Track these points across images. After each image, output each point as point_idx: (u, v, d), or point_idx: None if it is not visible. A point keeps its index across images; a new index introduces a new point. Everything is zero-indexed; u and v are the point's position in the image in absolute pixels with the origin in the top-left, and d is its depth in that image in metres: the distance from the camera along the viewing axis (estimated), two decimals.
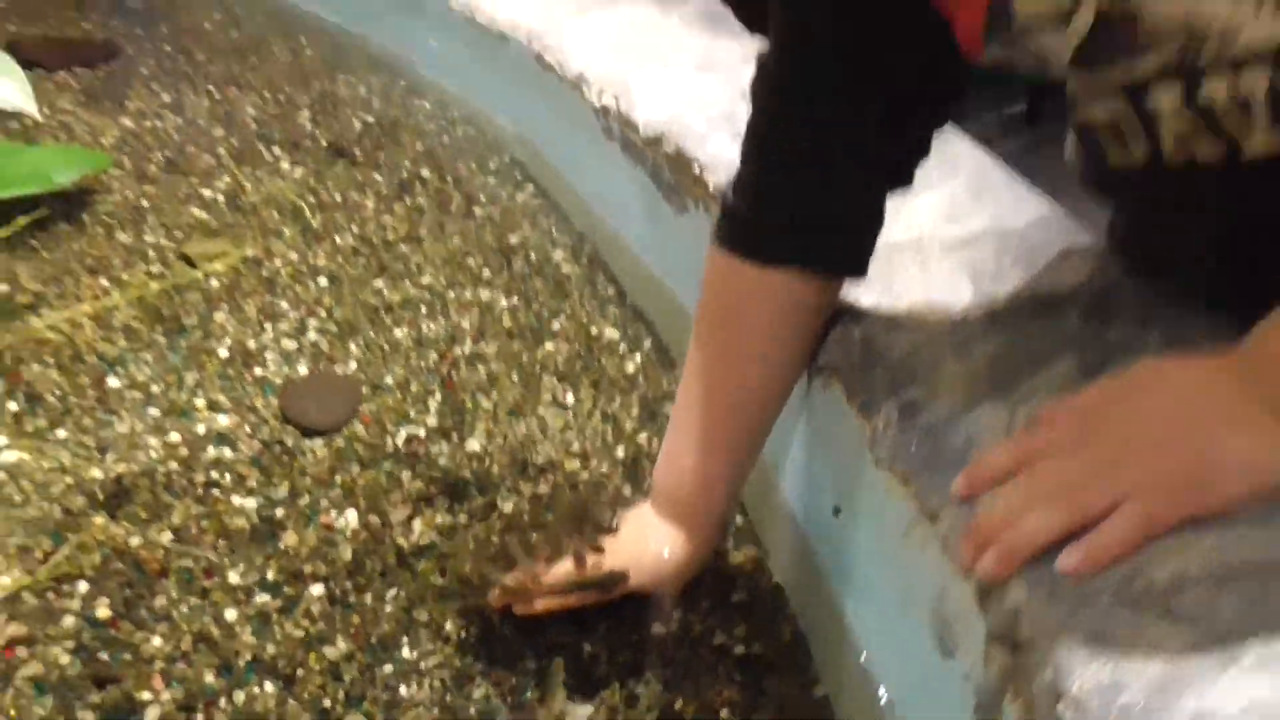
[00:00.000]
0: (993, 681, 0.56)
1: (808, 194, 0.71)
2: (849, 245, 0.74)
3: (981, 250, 0.86)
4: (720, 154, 1.07)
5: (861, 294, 0.79)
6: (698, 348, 0.77)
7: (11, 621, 0.74)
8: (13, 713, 0.68)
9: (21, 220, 1.20)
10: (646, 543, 0.77)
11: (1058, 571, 0.51)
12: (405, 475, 0.91)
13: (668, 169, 1.14)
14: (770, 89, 0.70)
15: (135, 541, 0.82)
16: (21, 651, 0.72)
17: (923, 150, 0.73)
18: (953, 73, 0.66)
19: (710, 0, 1.55)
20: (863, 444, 0.72)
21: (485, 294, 1.18)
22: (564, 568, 0.75)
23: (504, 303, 1.16)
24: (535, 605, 0.75)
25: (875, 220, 0.74)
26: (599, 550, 0.75)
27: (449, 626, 0.78)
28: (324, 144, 1.50)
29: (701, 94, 1.23)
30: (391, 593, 0.80)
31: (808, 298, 0.74)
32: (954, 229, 0.90)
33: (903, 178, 0.74)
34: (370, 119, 1.60)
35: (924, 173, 0.96)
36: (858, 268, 0.75)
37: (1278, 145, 0.48)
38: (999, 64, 0.64)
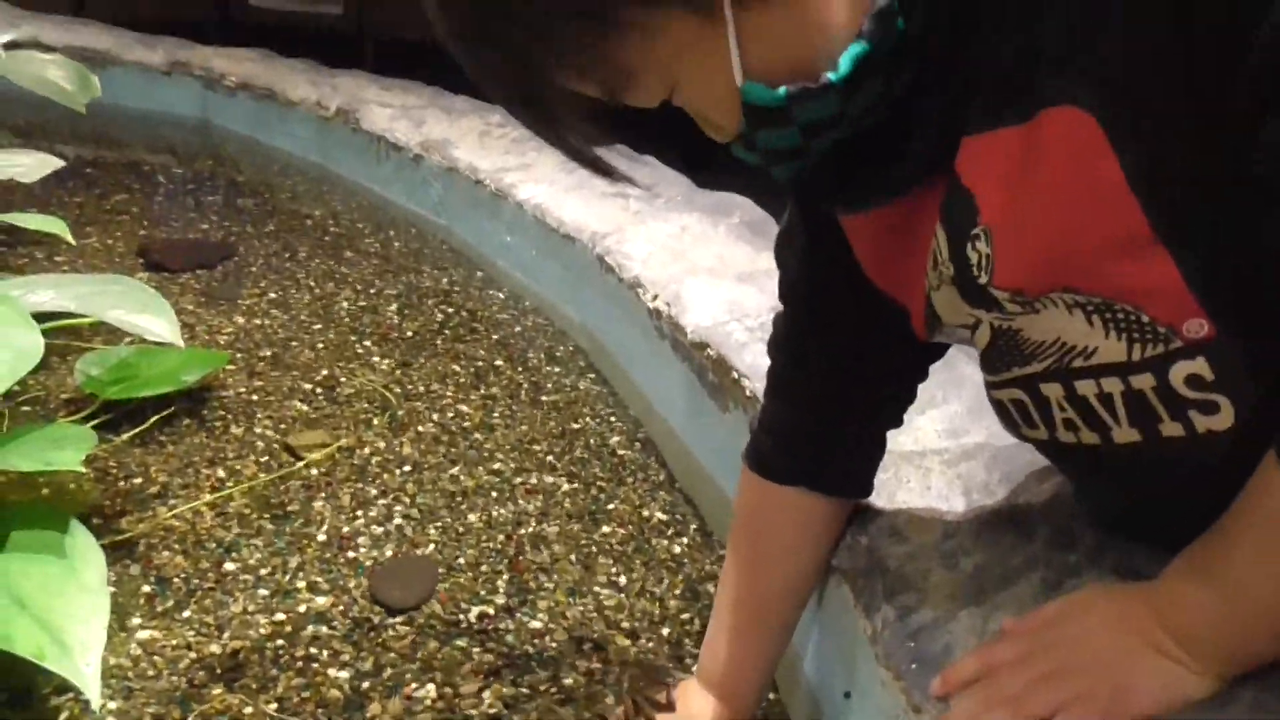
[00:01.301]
0: None
1: (815, 432, 0.85)
2: (852, 473, 0.88)
3: (974, 466, 0.98)
4: (756, 363, 1.22)
5: (870, 503, 0.92)
6: (732, 552, 0.91)
7: None
8: None
9: (154, 418, 1.39)
10: (692, 713, 0.89)
11: None
12: (476, 650, 1.04)
13: (711, 371, 1.30)
14: (782, 347, 0.87)
15: (248, 710, 0.95)
16: None
17: (911, 397, 0.87)
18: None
19: (753, 210, 1.74)
20: (866, 640, 0.84)
21: (549, 479, 1.33)
22: None
23: (565, 486, 1.31)
24: None
25: (872, 453, 0.88)
26: (652, 718, 0.88)
27: None
28: (409, 335, 1.69)
29: (743, 304, 1.39)
30: None
31: (820, 513, 0.88)
32: (952, 444, 1.03)
33: (896, 420, 0.88)
34: (450, 310, 1.79)
35: (930, 391, 1.10)
36: (861, 491, 0.89)
37: (1137, 439, 0.61)
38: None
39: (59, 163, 1.63)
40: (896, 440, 1.01)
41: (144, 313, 1.19)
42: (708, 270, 1.51)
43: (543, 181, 1.96)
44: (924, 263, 0.68)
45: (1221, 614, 0.57)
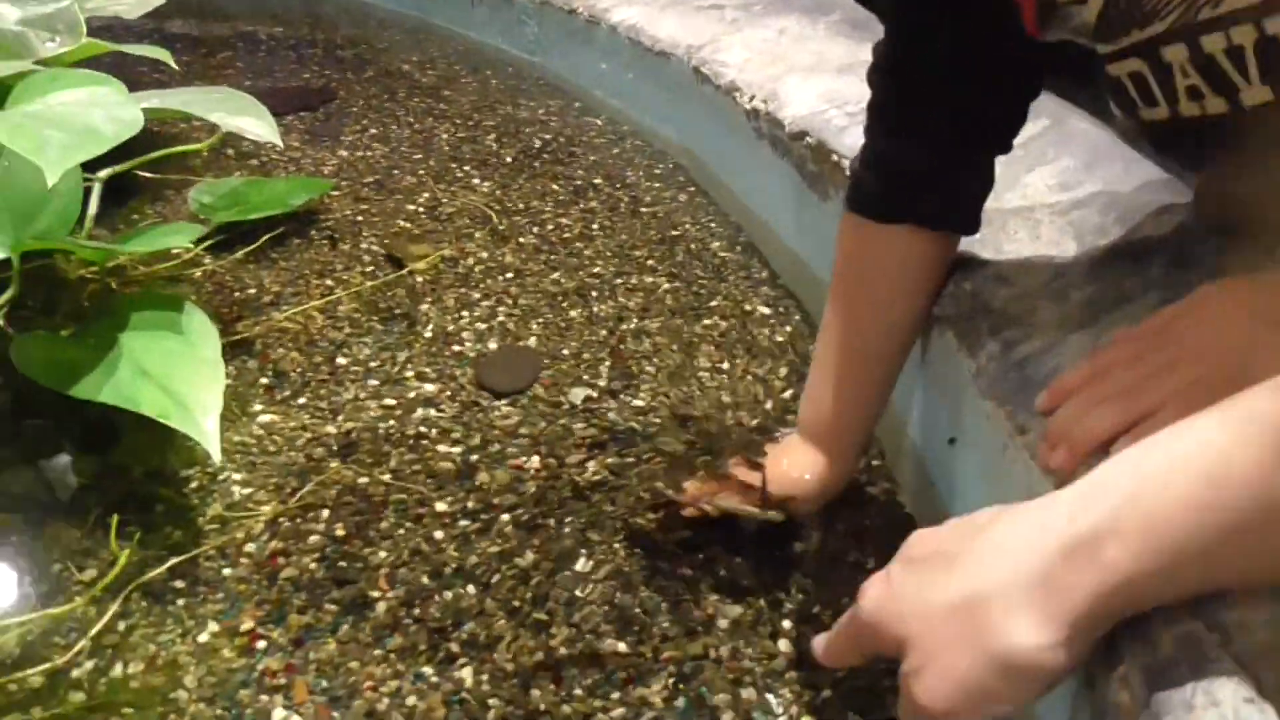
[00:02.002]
0: None
1: (920, 159, 0.81)
2: (958, 204, 0.83)
3: (1088, 211, 0.93)
4: (856, 144, 1.17)
5: (974, 253, 0.88)
6: (832, 300, 0.88)
7: (273, 539, 0.92)
8: (279, 603, 0.86)
9: (265, 238, 1.42)
10: (793, 464, 0.88)
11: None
12: (579, 427, 1.05)
13: (811, 160, 1.25)
14: (884, 70, 0.82)
15: (363, 480, 0.99)
16: (281, 560, 0.90)
17: (1020, 119, 0.82)
18: (1033, 53, 0.75)
19: (855, 8, 1.66)
20: (970, 379, 0.81)
21: (649, 279, 1.32)
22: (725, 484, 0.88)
23: (666, 285, 1.30)
24: (703, 506, 0.87)
25: (982, 182, 0.83)
26: (757, 467, 0.87)
27: (617, 545, 0.91)
28: (508, 161, 1.69)
29: (842, 93, 1.34)
30: (569, 519, 0.94)
31: (924, 253, 0.84)
32: (1064, 196, 0.97)
33: (1003, 144, 0.83)
34: (548, 136, 1.78)
35: (1041, 148, 1.04)
36: (968, 225, 0.84)
37: (1268, 98, 0.56)
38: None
39: (159, 0, 1.65)
40: (1002, 197, 0.97)
41: (245, 115, 1.20)
42: (806, 68, 1.45)
43: (636, 4, 1.91)
44: None
45: None
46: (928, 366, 0.92)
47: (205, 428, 0.89)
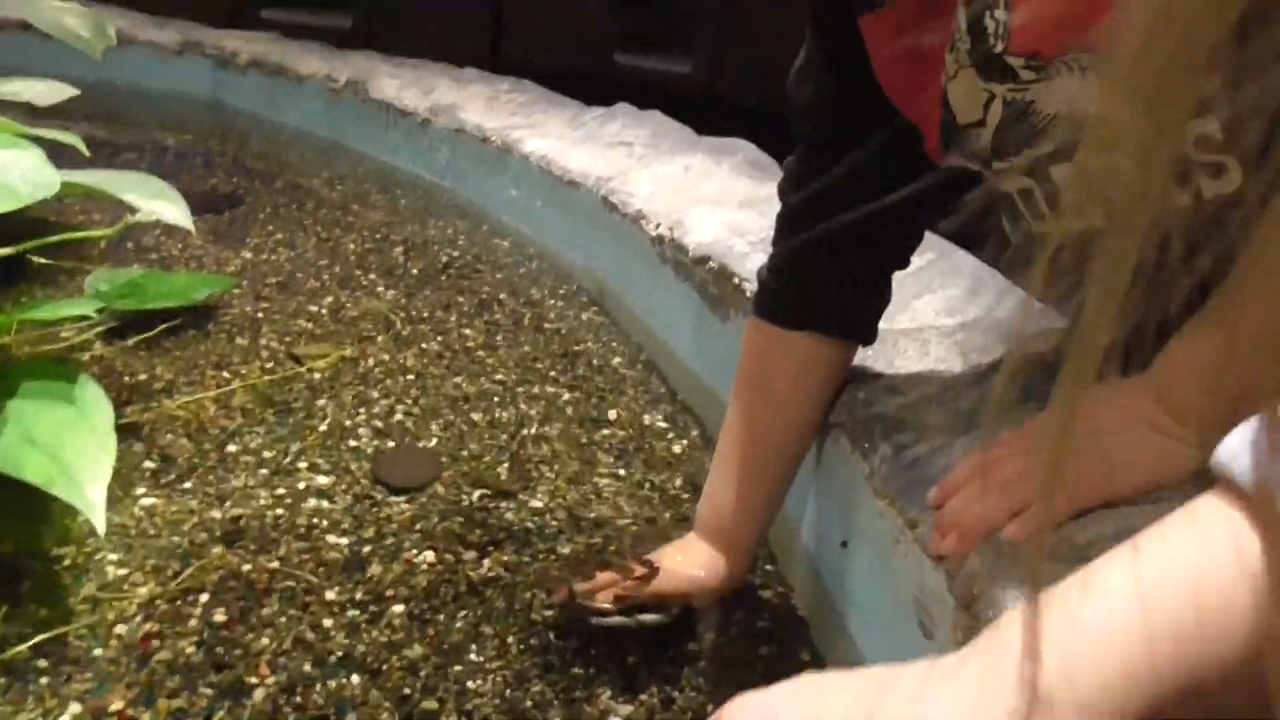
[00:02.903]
0: (958, 642, 0.67)
1: (824, 271, 0.87)
2: (858, 315, 0.89)
3: (972, 333, 1.00)
4: (758, 270, 1.23)
5: (868, 367, 0.93)
6: (735, 401, 0.92)
7: (148, 621, 0.88)
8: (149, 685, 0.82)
9: (161, 327, 1.40)
10: (689, 561, 0.89)
11: (1004, 539, 0.64)
12: (477, 527, 1.05)
13: (713, 284, 1.31)
14: (793, 184, 0.88)
15: (247, 567, 0.96)
16: (155, 643, 0.86)
17: (918, 238, 0.89)
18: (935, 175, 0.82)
19: (756, 152, 1.76)
20: (863, 481, 0.85)
21: (551, 389, 1.34)
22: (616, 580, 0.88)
23: (567, 396, 1.32)
24: (597, 602, 0.87)
25: (881, 295, 0.89)
26: (651, 565, 0.88)
27: (511, 640, 0.90)
28: (414, 273, 1.71)
29: (744, 224, 1.41)
30: (463, 613, 0.93)
31: (824, 359, 0.89)
32: (949, 320, 1.04)
33: (902, 261, 0.89)
34: (455, 254, 1.81)
35: (929, 278, 1.12)
36: (866, 336, 0.90)
37: None
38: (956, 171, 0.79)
39: (73, 90, 1.65)
40: (893, 319, 1.03)
41: (159, 199, 1.20)
42: (710, 201, 1.53)
43: (549, 136, 1.98)
44: (939, 75, 0.70)
45: (1218, 363, 0.58)
46: (821, 472, 0.96)
47: (91, 498, 0.86)
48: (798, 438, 0.91)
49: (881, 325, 0.91)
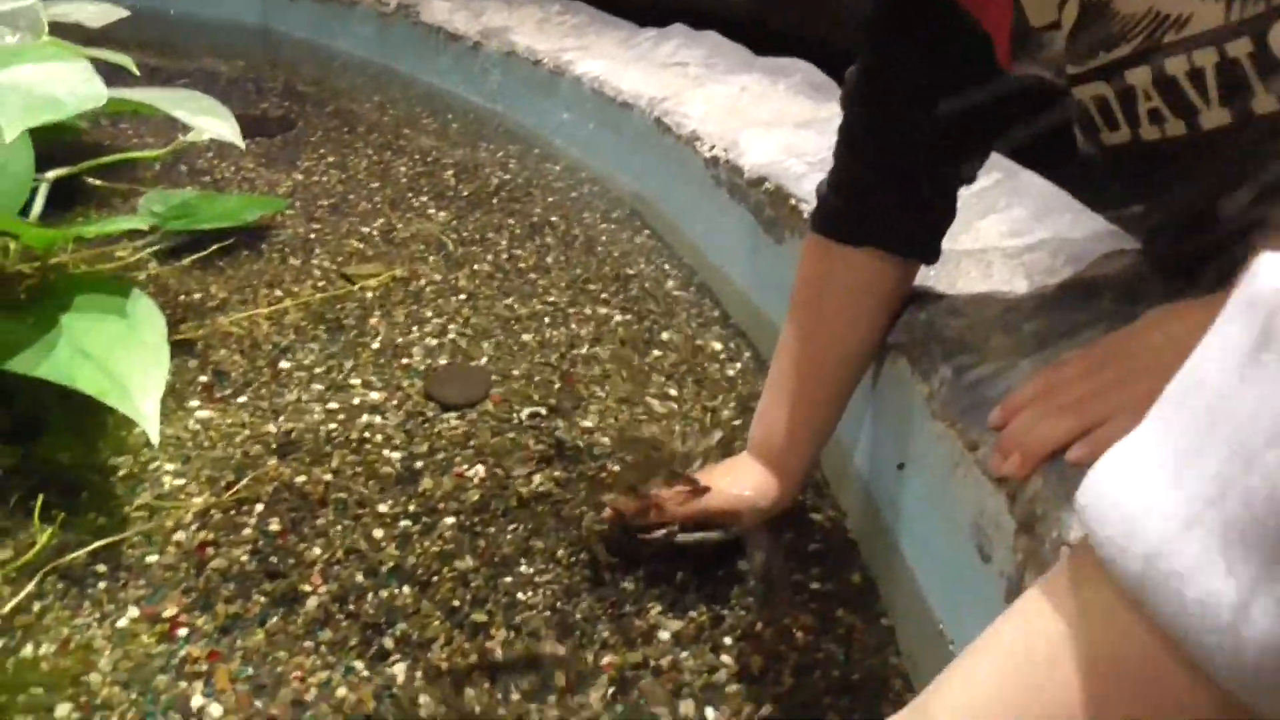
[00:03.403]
0: (1018, 565, 0.65)
1: (887, 184, 0.83)
2: (922, 231, 0.86)
3: (1038, 254, 0.96)
4: (814, 191, 1.20)
5: (929, 288, 0.90)
6: (791, 321, 0.89)
7: (203, 530, 0.89)
8: (205, 591, 0.82)
9: (214, 248, 1.40)
10: (741, 482, 0.88)
11: (1069, 462, 0.61)
12: (528, 442, 1.04)
13: (769, 205, 1.28)
14: (856, 97, 0.84)
15: (301, 479, 0.96)
16: (210, 551, 0.87)
17: (985, 152, 0.85)
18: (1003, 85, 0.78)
19: (814, 71, 1.71)
20: (922, 403, 0.82)
21: (602, 311, 1.32)
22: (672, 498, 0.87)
23: (619, 318, 1.30)
24: (648, 519, 0.86)
25: (946, 210, 0.86)
26: (699, 484, 0.87)
27: (561, 554, 0.90)
28: (465, 195, 1.69)
29: (801, 145, 1.37)
30: (513, 527, 0.92)
31: (885, 277, 0.86)
32: (1015, 241, 1.00)
33: (968, 175, 0.85)
34: (506, 177, 1.79)
35: (994, 198, 1.08)
36: (929, 253, 0.86)
37: (1226, 121, 0.59)
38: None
39: (123, 12, 1.65)
40: (956, 240, 1.00)
41: (208, 115, 1.19)
42: (765, 122, 1.49)
43: (601, 58, 1.94)
44: None
45: None
46: (878, 394, 0.93)
47: (143, 409, 0.86)
48: (854, 358, 0.88)
49: (944, 245, 0.88)
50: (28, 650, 0.75)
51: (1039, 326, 0.82)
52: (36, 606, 0.79)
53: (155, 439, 0.86)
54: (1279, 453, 0.31)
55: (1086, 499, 0.37)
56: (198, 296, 1.28)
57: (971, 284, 0.93)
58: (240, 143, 1.23)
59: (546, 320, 1.29)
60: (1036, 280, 0.91)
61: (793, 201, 1.21)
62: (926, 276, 0.93)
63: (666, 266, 1.47)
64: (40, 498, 0.88)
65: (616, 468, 1.00)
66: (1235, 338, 0.34)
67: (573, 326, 1.28)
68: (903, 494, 0.87)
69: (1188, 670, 0.34)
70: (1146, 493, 0.35)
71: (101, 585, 0.82)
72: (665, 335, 1.27)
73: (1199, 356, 0.35)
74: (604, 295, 1.37)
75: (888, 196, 0.83)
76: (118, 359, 0.90)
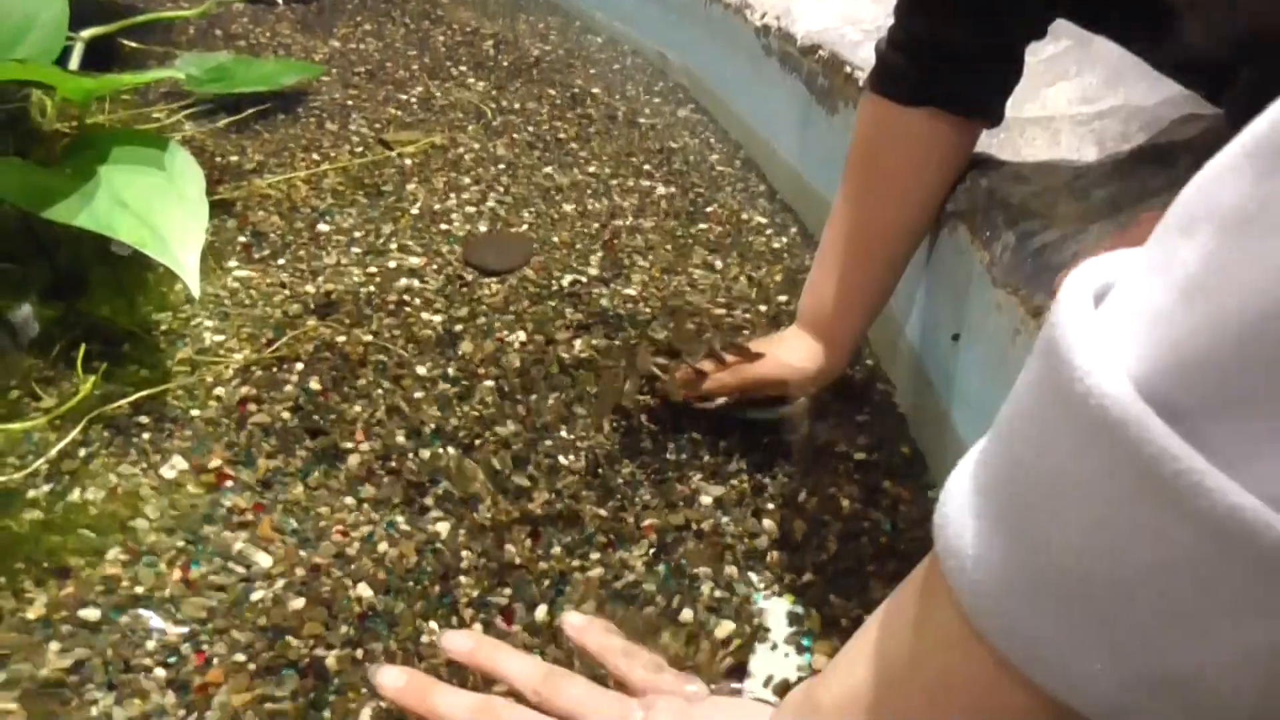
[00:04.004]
0: None
1: (951, 40, 0.78)
2: (987, 89, 0.81)
3: (1110, 121, 0.91)
4: (871, 59, 1.15)
5: (991, 154, 0.86)
6: (844, 187, 0.86)
7: (244, 386, 0.89)
8: (248, 446, 0.82)
9: (250, 111, 1.37)
10: (789, 351, 0.86)
11: None
12: (568, 309, 1.02)
13: (822, 74, 1.23)
14: None
15: (341, 339, 0.95)
16: (252, 406, 0.87)
17: (1053, 7, 0.80)
18: None
19: None
20: (981, 271, 0.79)
21: (645, 183, 1.29)
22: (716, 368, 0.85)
23: (662, 190, 1.27)
24: (695, 388, 0.85)
25: (1012, 69, 0.81)
26: (746, 352, 0.85)
27: (602, 420, 0.89)
28: (504, 66, 1.65)
29: (857, 12, 1.31)
30: (554, 393, 0.91)
31: (946, 139, 0.82)
32: (1085, 108, 0.95)
33: (1038, 29, 0.80)
34: (547, 49, 1.74)
35: (1063, 65, 1.02)
36: (993, 114, 0.82)
37: None
38: None
39: None
40: (1021, 109, 0.95)
41: None
42: None
43: None
44: None
45: None
46: (933, 265, 0.90)
47: (184, 261, 0.85)
48: (910, 225, 0.85)
49: (1009, 114, 0.84)
50: (75, 495, 0.76)
51: (1111, 192, 0.78)
52: (82, 453, 0.80)
53: (195, 291, 0.85)
54: None
55: (937, 518, 0.37)
56: (234, 159, 1.26)
57: (1038, 152, 0.89)
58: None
59: (588, 191, 1.26)
60: (1108, 147, 0.86)
61: (848, 70, 1.16)
62: (989, 145, 0.89)
63: (712, 141, 1.43)
64: (83, 348, 0.88)
65: (660, 336, 0.99)
66: (1035, 382, 0.32)
67: (615, 198, 1.25)
68: (957, 365, 0.84)
69: (1024, 689, 0.34)
70: (972, 526, 0.34)
71: (146, 436, 0.82)
72: (710, 209, 1.24)
73: (1014, 394, 0.34)
74: (647, 168, 1.33)
75: (949, 53, 0.78)
76: (156, 211, 0.88)
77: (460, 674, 0.64)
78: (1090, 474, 0.28)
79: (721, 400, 0.85)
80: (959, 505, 0.37)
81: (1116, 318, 0.29)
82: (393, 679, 0.58)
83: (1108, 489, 0.28)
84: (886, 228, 0.85)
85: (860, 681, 0.44)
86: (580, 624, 0.65)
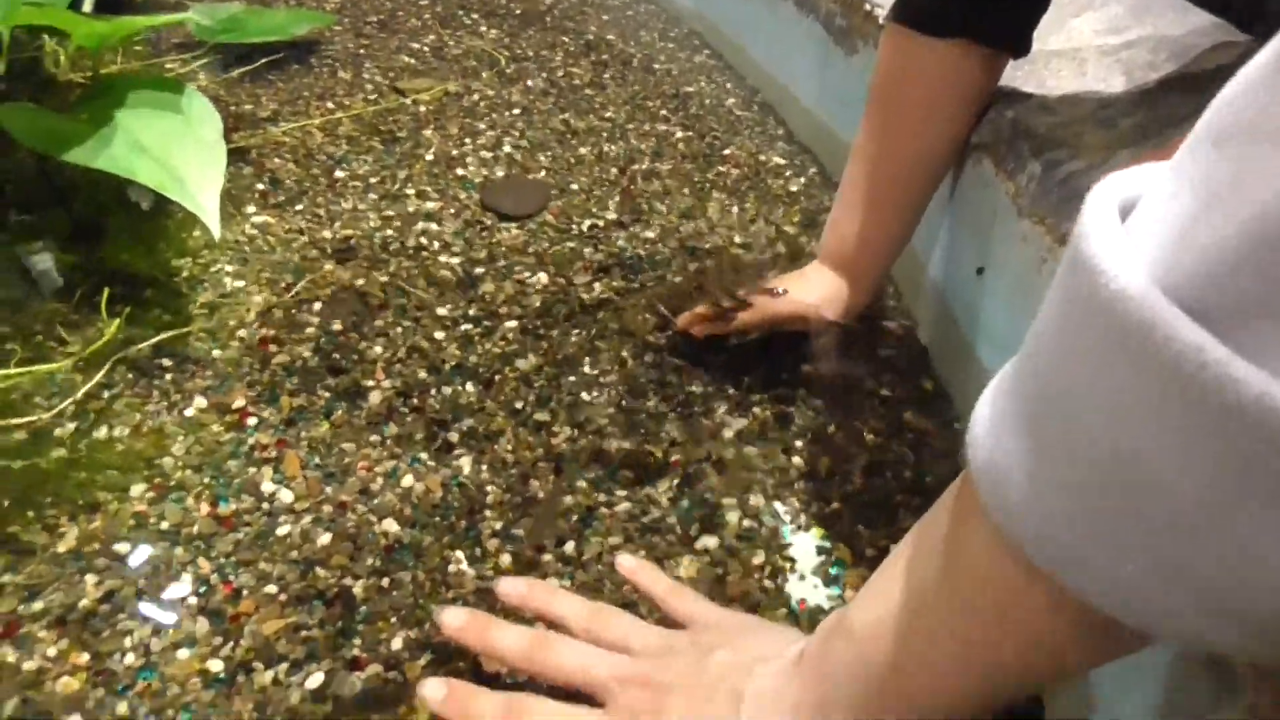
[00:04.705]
0: None
1: None
2: (1014, 19, 0.80)
3: (1137, 51, 0.90)
4: None
5: (1016, 86, 0.85)
6: (867, 122, 0.85)
7: (264, 327, 0.89)
8: (270, 385, 0.82)
9: (263, 61, 1.36)
10: (812, 288, 0.85)
11: None
12: (588, 251, 1.02)
13: (840, 14, 1.21)
14: None
15: (360, 282, 0.95)
16: (273, 347, 0.87)
17: None
18: None
19: None
20: (1007, 202, 0.78)
21: (662, 128, 1.28)
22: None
23: (679, 134, 1.26)
24: (717, 325, 0.85)
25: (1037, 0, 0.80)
26: (768, 290, 0.84)
27: (625, 354, 0.88)
28: (517, 14, 1.63)
29: None
30: (576, 331, 0.91)
31: (971, 71, 0.81)
32: (1112, 39, 0.94)
33: None
34: None
35: None
36: (1020, 45, 0.81)
37: None
38: None
39: None
40: (1045, 41, 0.94)
41: None
42: None
43: None
44: None
45: None
46: (958, 199, 0.89)
47: (203, 203, 0.85)
48: (934, 158, 0.84)
49: (1033, 46, 0.82)
50: (102, 432, 0.76)
51: (1139, 120, 0.77)
52: (107, 395, 0.80)
53: (216, 232, 0.84)
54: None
55: (969, 436, 0.38)
56: (249, 108, 1.25)
57: (1063, 84, 0.88)
58: None
59: (604, 135, 1.25)
60: (1136, 77, 0.85)
61: (867, 8, 1.15)
62: (1013, 78, 0.88)
63: (728, 85, 1.42)
64: (106, 292, 0.87)
65: (679, 278, 0.98)
66: (1062, 296, 0.33)
67: (632, 141, 1.24)
68: (981, 299, 0.84)
69: (1055, 600, 0.36)
70: (1003, 441, 0.35)
71: (169, 377, 0.82)
72: (727, 151, 1.23)
73: (1042, 313, 0.35)
74: (663, 113, 1.32)
75: None
76: (174, 154, 0.88)
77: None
78: (1120, 378, 0.28)
79: (748, 338, 0.85)
80: (989, 424, 0.37)
81: (1143, 225, 0.29)
82: (454, 617, 0.59)
83: (1137, 390, 0.28)
84: (910, 162, 0.84)
85: (893, 603, 0.45)
86: (632, 566, 0.65)
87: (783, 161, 1.21)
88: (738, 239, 1.05)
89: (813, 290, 0.86)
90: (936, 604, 0.42)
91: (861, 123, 0.86)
